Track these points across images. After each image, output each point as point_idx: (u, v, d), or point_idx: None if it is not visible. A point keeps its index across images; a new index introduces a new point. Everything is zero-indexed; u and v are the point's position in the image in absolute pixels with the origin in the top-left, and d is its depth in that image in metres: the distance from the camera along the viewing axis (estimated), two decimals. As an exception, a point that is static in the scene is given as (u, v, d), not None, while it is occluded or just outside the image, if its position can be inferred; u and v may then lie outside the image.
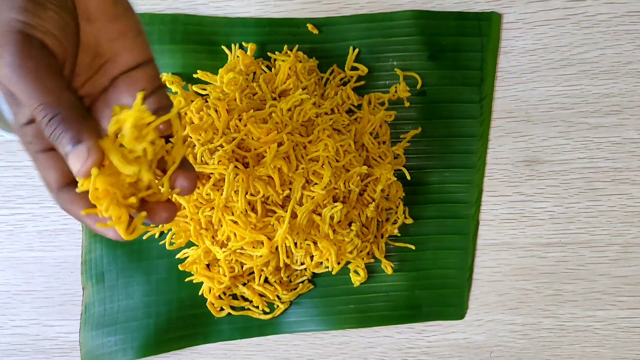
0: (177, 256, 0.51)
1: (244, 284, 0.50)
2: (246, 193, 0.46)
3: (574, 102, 0.52)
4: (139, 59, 0.34)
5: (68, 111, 0.29)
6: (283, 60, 0.51)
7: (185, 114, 0.49)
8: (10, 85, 0.29)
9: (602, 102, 0.52)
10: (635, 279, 0.51)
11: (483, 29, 0.52)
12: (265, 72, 0.52)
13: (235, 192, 0.46)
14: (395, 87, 0.52)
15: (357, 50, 0.53)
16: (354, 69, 0.53)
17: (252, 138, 0.47)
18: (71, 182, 0.32)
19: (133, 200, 0.30)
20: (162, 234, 0.52)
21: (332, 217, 0.47)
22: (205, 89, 0.52)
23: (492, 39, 0.52)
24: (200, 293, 0.51)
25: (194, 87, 0.52)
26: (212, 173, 0.46)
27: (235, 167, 0.45)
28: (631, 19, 0.52)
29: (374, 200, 0.50)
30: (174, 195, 0.34)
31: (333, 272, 0.49)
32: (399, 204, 0.52)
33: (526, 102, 0.52)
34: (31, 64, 0.29)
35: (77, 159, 0.29)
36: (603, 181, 0.52)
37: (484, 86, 0.52)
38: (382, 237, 0.51)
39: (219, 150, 0.46)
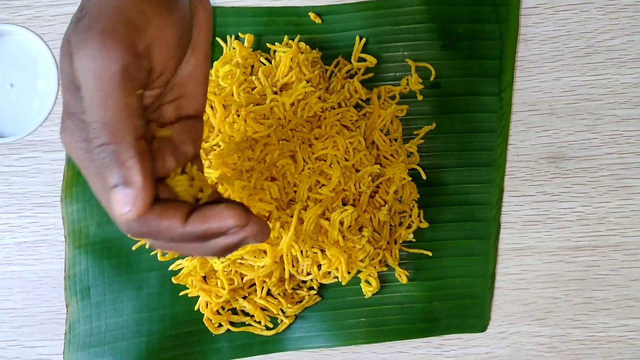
0: (170, 268, 0.48)
1: (245, 297, 0.47)
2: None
3: (601, 93, 0.50)
4: (200, 110, 0.33)
5: (126, 145, 0.27)
6: (284, 52, 0.48)
7: None
8: (82, 82, 0.27)
9: (631, 93, 0.50)
10: (672, 284, 0.48)
11: (501, 15, 0.50)
12: (265, 65, 0.49)
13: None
14: (407, 79, 0.50)
15: (364, 39, 0.50)
16: (361, 60, 0.50)
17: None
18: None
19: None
20: (154, 244, 0.49)
21: (341, 222, 0.44)
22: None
23: (511, 26, 0.50)
24: (196, 308, 0.48)
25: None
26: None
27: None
28: (661, 2, 0.50)
29: (386, 202, 0.47)
30: None
31: (343, 283, 0.46)
32: (413, 206, 0.48)
33: (549, 94, 0.50)
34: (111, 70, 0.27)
35: (122, 201, 0.27)
36: (634, 178, 0.49)
37: (503, 77, 0.50)
38: (395, 243, 0.48)
39: (215, 150, 0.43)
